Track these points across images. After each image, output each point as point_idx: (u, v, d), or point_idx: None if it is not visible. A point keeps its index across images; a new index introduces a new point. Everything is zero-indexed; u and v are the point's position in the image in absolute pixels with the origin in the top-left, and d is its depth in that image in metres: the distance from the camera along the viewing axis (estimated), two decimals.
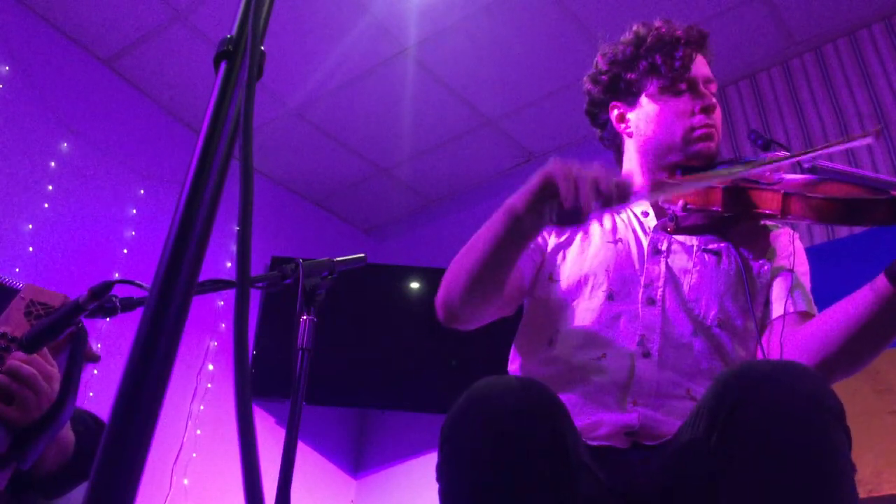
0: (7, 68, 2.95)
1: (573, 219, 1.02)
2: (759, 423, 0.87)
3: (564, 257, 1.35)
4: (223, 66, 0.57)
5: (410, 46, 3.25)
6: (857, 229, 2.82)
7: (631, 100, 1.41)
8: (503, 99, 3.54)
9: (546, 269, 1.36)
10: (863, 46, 3.10)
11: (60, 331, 1.05)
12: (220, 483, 3.16)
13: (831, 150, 1.17)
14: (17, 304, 1.12)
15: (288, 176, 4.06)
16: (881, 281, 1.06)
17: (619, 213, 1.40)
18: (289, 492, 1.25)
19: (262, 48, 0.58)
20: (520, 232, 1.11)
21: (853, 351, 1.12)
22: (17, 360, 1.05)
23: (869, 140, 1.14)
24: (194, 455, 3.15)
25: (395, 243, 4.44)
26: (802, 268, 1.34)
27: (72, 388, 1.07)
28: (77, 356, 1.11)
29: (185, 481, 3.09)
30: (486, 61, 3.33)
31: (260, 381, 3.38)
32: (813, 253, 2.83)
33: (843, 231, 2.86)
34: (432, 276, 3.74)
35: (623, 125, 1.43)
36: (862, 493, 2.30)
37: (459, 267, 1.21)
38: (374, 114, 3.63)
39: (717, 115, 1.37)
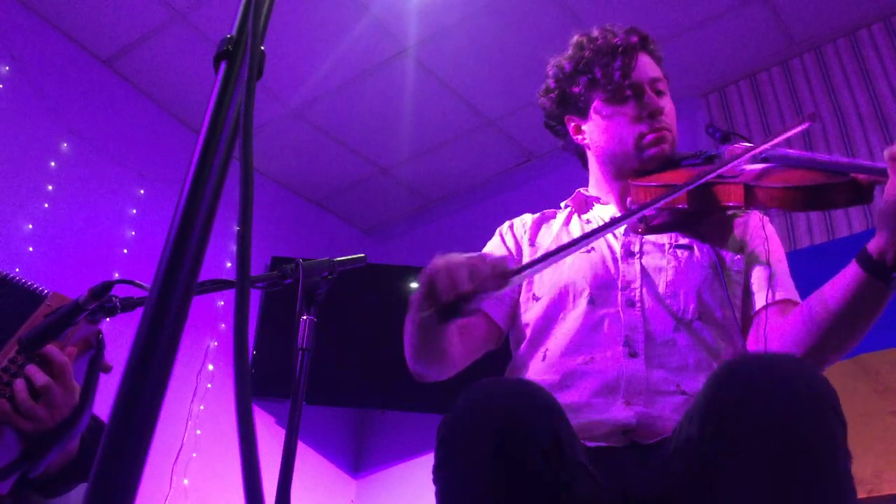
0: (7, 68, 2.95)
1: (455, 311, 1.01)
2: (755, 421, 0.87)
3: (542, 275, 1.36)
4: (223, 66, 0.57)
5: (410, 46, 3.25)
6: (858, 228, 2.82)
7: (582, 112, 1.42)
8: (503, 99, 3.54)
9: (527, 292, 1.38)
10: (863, 46, 3.10)
11: (60, 331, 1.05)
12: (220, 483, 3.16)
13: (783, 137, 1.18)
14: (44, 313, 1.13)
15: (288, 176, 4.06)
16: (853, 268, 1.08)
17: (588, 221, 1.42)
18: (289, 492, 1.25)
19: (262, 48, 0.58)
20: (430, 326, 1.16)
21: (839, 335, 1.13)
22: (35, 371, 1.07)
23: (805, 125, 1.16)
24: (194, 455, 3.15)
25: (395, 243, 4.44)
26: (779, 252, 1.35)
27: (89, 401, 1.09)
28: (96, 368, 1.13)
29: (185, 481, 3.09)
30: (486, 61, 3.33)
31: (260, 381, 3.38)
32: (813, 253, 2.85)
33: (843, 231, 2.86)
34: None
35: (580, 137, 1.44)
36: (862, 493, 2.30)
37: (405, 343, 1.28)
38: (374, 114, 3.63)
39: (668, 112, 1.37)
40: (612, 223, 1.17)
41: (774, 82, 3.29)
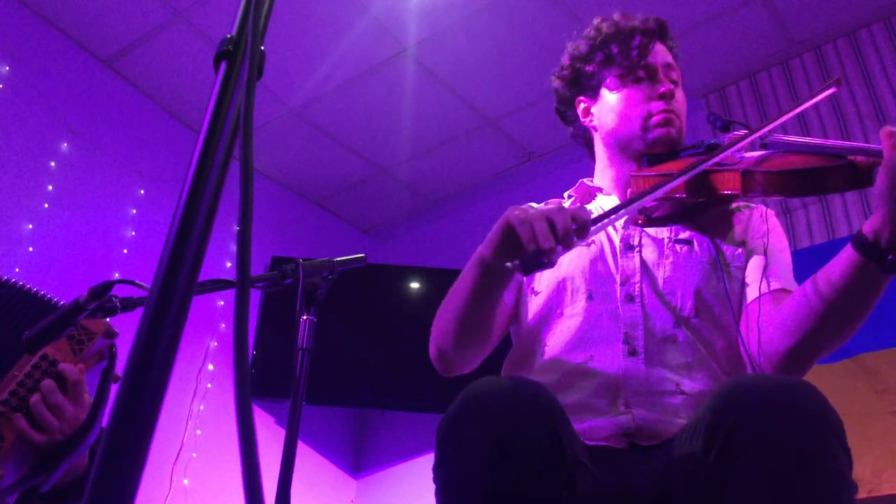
0: (7, 68, 2.95)
1: (538, 264, 0.99)
2: (757, 445, 0.86)
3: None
4: (223, 66, 0.57)
5: (410, 46, 3.25)
6: (858, 227, 2.81)
7: (593, 93, 1.43)
8: (503, 99, 3.54)
9: (527, 285, 1.37)
10: (863, 46, 3.10)
11: (60, 331, 1.06)
12: (220, 483, 3.16)
13: (786, 117, 1.19)
14: None
15: (288, 176, 4.06)
16: (848, 250, 1.06)
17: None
18: (289, 492, 1.25)
19: (262, 48, 0.58)
20: (493, 279, 1.13)
21: (834, 322, 1.10)
22: (51, 386, 1.09)
23: (832, 90, 1.15)
24: (194, 455, 3.15)
25: (395, 243, 4.44)
26: (780, 244, 1.32)
27: (99, 414, 1.10)
28: (108, 381, 1.14)
29: (185, 481, 3.09)
30: (486, 61, 3.33)
31: (260, 381, 3.38)
32: (813, 253, 2.85)
33: (843, 231, 2.86)
34: (432, 276, 3.74)
35: (588, 119, 1.44)
36: (862, 493, 2.30)
37: (445, 320, 1.24)
38: (374, 114, 3.63)
39: (679, 100, 1.37)
40: (621, 207, 1.15)
41: (774, 82, 3.29)
